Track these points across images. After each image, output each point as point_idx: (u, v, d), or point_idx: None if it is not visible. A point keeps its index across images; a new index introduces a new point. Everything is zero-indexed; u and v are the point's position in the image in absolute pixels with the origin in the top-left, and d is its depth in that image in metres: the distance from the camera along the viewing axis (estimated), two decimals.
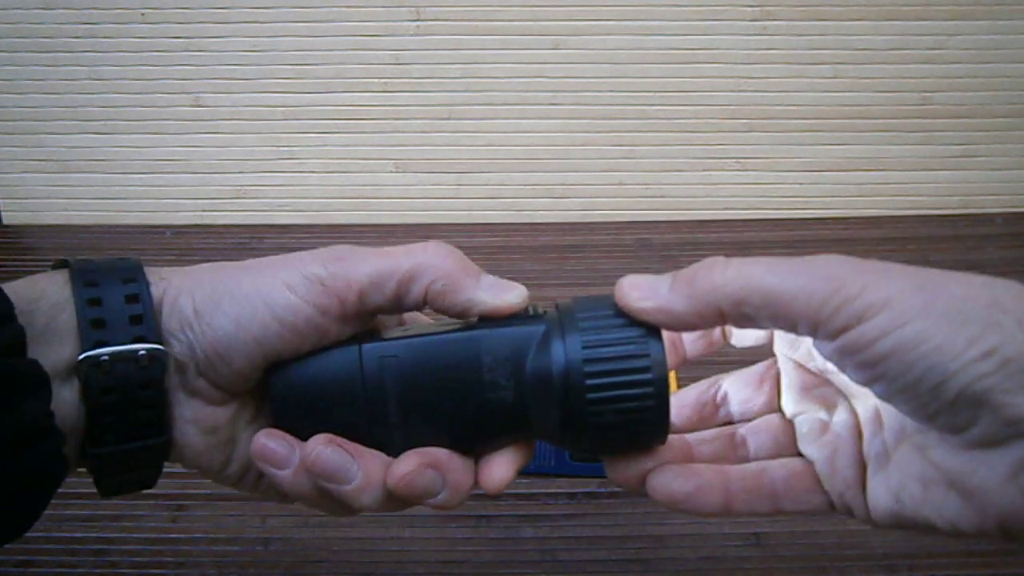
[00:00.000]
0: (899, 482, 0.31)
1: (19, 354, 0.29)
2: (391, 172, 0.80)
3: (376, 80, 0.77)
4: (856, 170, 0.81)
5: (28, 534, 0.31)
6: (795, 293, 0.28)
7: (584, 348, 0.31)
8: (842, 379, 0.34)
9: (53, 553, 0.48)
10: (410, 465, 0.32)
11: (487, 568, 0.48)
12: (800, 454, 0.35)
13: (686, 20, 0.75)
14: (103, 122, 0.78)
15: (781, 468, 0.34)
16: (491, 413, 0.32)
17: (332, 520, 0.49)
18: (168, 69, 0.76)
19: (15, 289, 0.30)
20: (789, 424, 0.35)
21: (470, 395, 0.32)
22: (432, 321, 0.36)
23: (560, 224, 0.81)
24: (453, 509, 0.33)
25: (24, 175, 0.80)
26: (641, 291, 0.31)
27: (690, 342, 0.37)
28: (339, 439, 0.32)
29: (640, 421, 0.31)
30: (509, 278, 0.33)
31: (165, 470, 0.34)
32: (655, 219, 0.81)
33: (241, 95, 0.77)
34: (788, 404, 0.36)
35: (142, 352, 0.31)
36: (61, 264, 0.33)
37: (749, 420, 0.36)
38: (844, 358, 0.29)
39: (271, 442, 0.33)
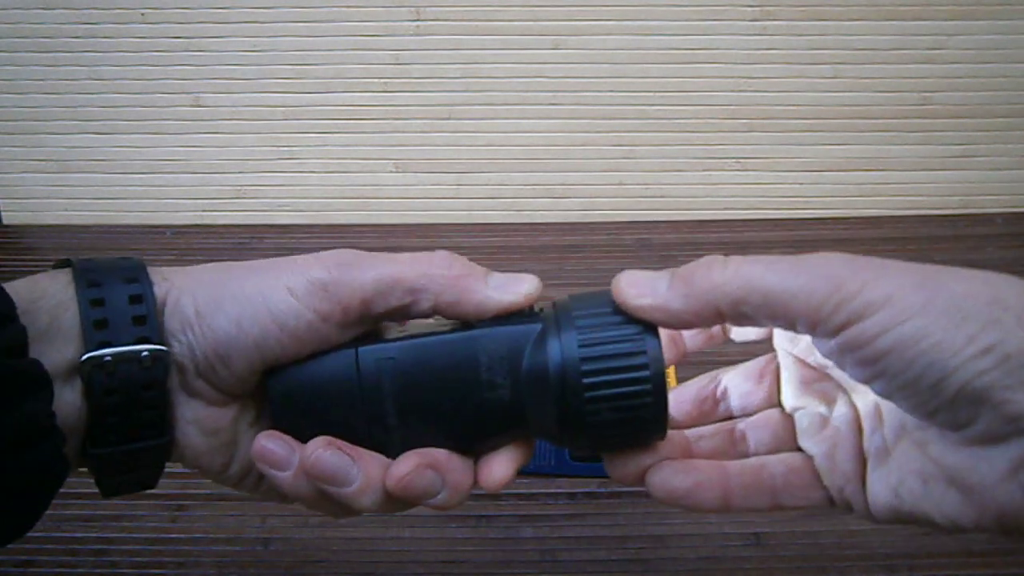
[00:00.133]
0: (898, 478, 0.31)
1: (20, 354, 0.29)
2: (391, 172, 0.80)
3: (376, 80, 0.77)
4: (856, 170, 0.81)
5: (28, 534, 0.31)
6: (794, 292, 0.28)
7: (581, 346, 0.31)
8: (842, 374, 0.34)
9: (53, 553, 0.48)
10: (409, 466, 0.32)
11: (487, 568, 0.48)
12: (800, 449, 0.35)
13: (686, 20, 0.75)
14: (103, 122, 0.78)
15: (780, 463, 0.34)
16: (489, 412, 0.32)
17: (332, 520, 0.49)
18: (168, 69, 0.76)
19: (16, 289, 0.30)
20: (789, 419, 0.35)
21: (468, 395, 0.32)
22: (432, 321, 0.36)
23: (560, 224, 0.81)
24: (453, 509, 0.33)
25: (24, 175, 0.80)
26: (639, 288, 0.31)
27: (690, 337, 0.37)
28: (338, 442, 0.32)
29: (638, 418, 0.31)
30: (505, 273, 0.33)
31: (165, 470, 0.34)
32: (655, 219, 0.81)
33: (241, 95, 0.77)
34: (788, 399, 0.36)
35: (145, 353, 0.31)
36: (63, 264, 0.33)
37: (749, 415, 0.36)
38: (843, 355, 0.29)
39: (271, 444, 0.33)
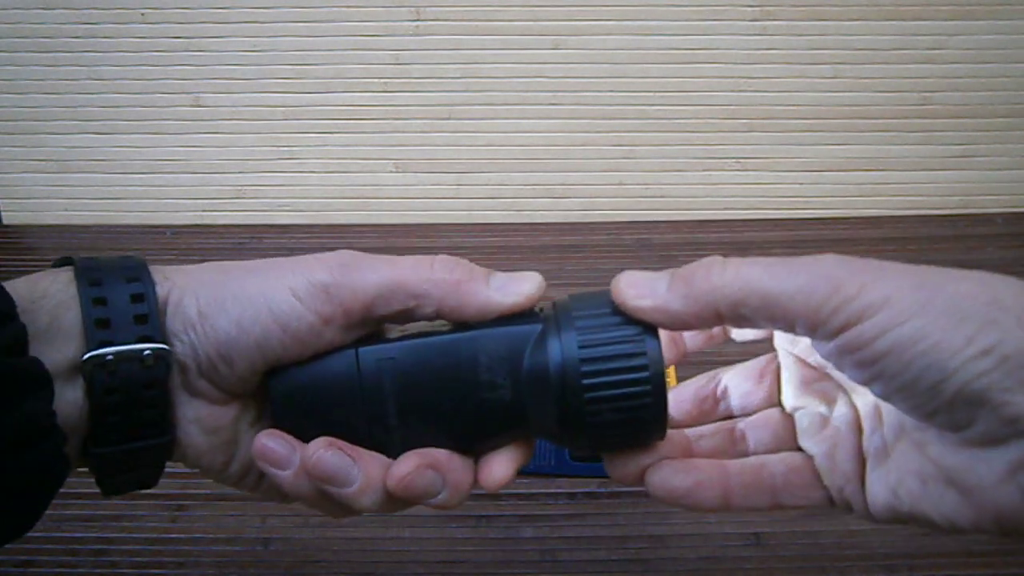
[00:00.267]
0: (897, 478, 0.31)
1: (20, 353, 0.29)
2: (391, 172, 0.80)
3: (376, 80, 0.77)
4: (856, 170, 0.81)
5: (28, 534, 0.31)
6: (793, 294, 0.28)
7: (581, 347, 0.31)
8: (842, 374, 0.34)
9: (53, 553, 0.48)
10: (409, 466, 0.32)
11: (487, 568, 0.48)
12: (800, 449, 0.35)
13: (686, 20, 0.75)
14: (103, 122, 0.78)
15: (780, 463, 0.34)
16: (489, 413, 0.32)
17: (332, 520, 0.48)
18: (168, 69, 0.76)
19: (16, 288, 0.30)
20: (789, 418, 0.35)
21: (468, 395, 0.32)
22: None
23: (560, 224, 0.81)
24: (453, 509, 0.33)
25: (24, 175, 0.80)
26: (638, 289, 0.31)
27: (690, 337, 0.37)
28: (339, 442, 0.32)
29: (638, 419, 0.31)
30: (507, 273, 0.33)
31: (165, 470, 0.34)
32: (655, 219, 0.81)
33: (241, 95, 0.77)
34: (788, 398, 0.36)
35: (147, 352, 0.31)
36: (63, 262, 0.33)
37: (749, 414, 0.36)
38: (842, 357, 0.29)
39: (272, 442, 0.33)
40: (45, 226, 0.81)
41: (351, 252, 0.33)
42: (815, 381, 0.35)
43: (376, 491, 0.32)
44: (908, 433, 0.31)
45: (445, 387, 0.32)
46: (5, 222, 0.81)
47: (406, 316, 0.33)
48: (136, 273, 0.32)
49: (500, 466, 0.33)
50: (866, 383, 0.29)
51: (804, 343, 0.35)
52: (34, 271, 0.32)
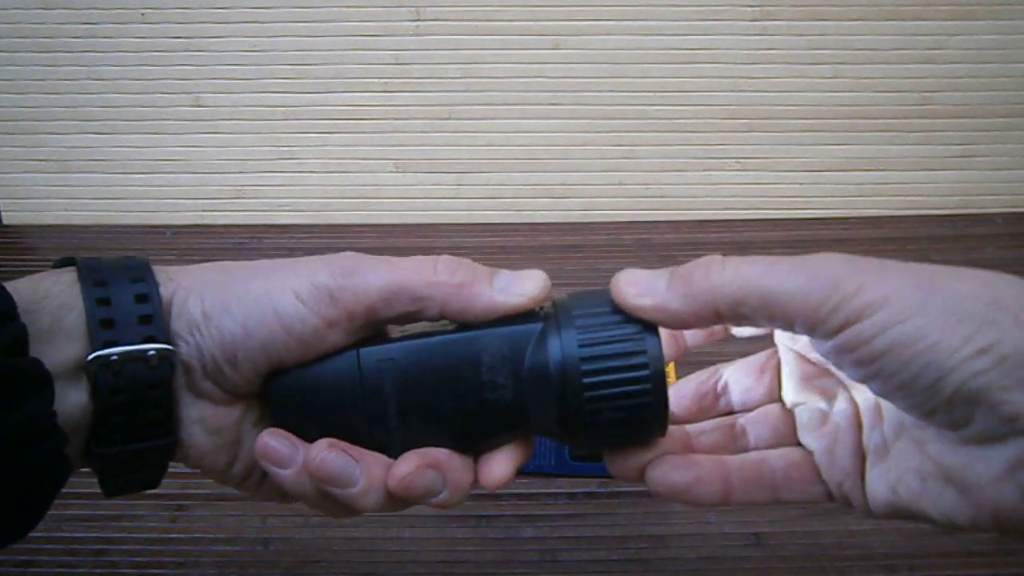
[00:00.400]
0: (897, 475, 0.31)
1: (20, 353, 0.29)
2: (391, 172, 0.80)
3: (376, 80, 0.77)
4: (856, 170, 0.81)
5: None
6: (793, 293, 0.28)
7: (581, 346, 0.31)
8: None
9: (53, 553, 0.48)
10: (410, 466, 0.32)
11: (487, 568, 0.48)
12: (800, 444, 0.35)
13: (686, 20, 0.75)
14: (103, 122, 0.78)
15: (780, 458, 0.34)
16: (490, 412, 0.32)
17: (332, 520, 0.48)
18: (168, 69, 0.76)
19: (18, 288, 0.30)
20: (789, 414, 0.35)
21: (469, 395, 0.32)
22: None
23: (560, 224, 0.81)
24: (454, 508, 0.33)
25: (24, 175, 0.80)
26: (638, 288, 0.31)
27: (690, 333, 0.37)
28: (342, 443, 0.32)
29: (638, 417, 0.31)
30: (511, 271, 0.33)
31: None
32: (655, 219, 0.81)
33: (241, 95, 0.77)
34: (788, 394, 0.36)
35: (151, 352, 0.31)
36: (65, 263, 0.33)
37: (749, 410, 0.37)
38: (841, 356, 0.29)
39: (274, 441, 0.33)
40: (45, 226, 0.81)
41: (354, 254, 0.33)
42: (815, 377, 0.35)
43: (378, 491, 0.32)
44: (908, 430, 0.31)
45: (446, 387, 0.32)
46: (5, 222, 0.81)
47: (410, 318, 0.33)
48: (140, 273, 0.32)
49: (500, 465, 0.33)
50: (865, 381, 0.30)
51: (804, 339, 0.35)
52: (34, 271, 0.32)
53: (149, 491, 0.35)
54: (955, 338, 0.27)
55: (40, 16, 0.74)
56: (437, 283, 0.32)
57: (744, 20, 0.75)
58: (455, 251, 0.33)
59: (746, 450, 0.35)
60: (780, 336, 0.36)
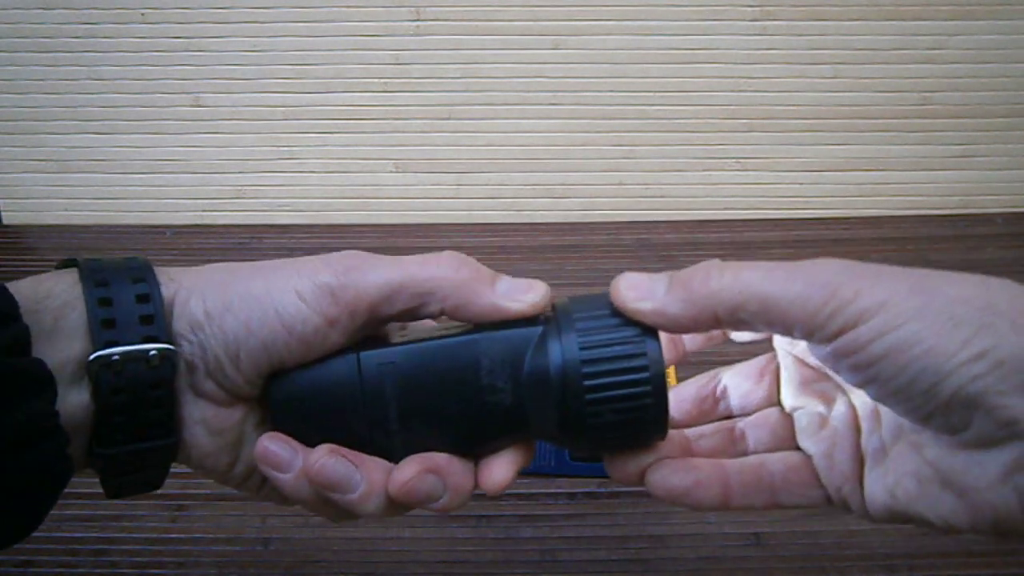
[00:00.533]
0: (895, 478, 0.31)
1: (22, 353, 0.29)
2: (391, 172, 0.80)
3: (376, 80, 0.77)
4: (856, 170, 0.81)
5: None
6: (791, 299, 0.29)
7: (582, 349, 0.31)
8: None
9: (53, 553, 0.48)
10: (411, 472, 0.32)
11: (487, 568, 0.48)
12: (799, 448, 0.35)
13: (686, 20, 0.75)
14: (103, 122, 0.78)
15: (779, 462, 0.34)
16: (490, 416, 0.32)
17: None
18: (168, 69, 0.76)
19: (19, 288, 0.30)
20: (788, 418, 0.36)
21: (469, 399, 0.32)
22: (434, 323, 0.36)
23: (560, 224, 0.81)
24: (455, 511, 0.33)
25: (24, 175, 0.80)
26: (638, 291, 0.31)
27: (689, 337, 0.38)
28: (342, 449, 0.32)
29: (638, 420, 0.31)
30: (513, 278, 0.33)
31: None
32: (655, 219, 0.81)
33: (241, 95, 0.77)
34: (787, 398, 0.36)
35: (153, 352, 0.31)
36: (67, 264, 0.33)
37: (748, 414, 0.37)
38: (838, 361, 0.29)
39: (273, 445, 0.33)
40: (45, 226, 0.81)
41: (356, 252, 0.33)
42: (814, 381, 0.35)
43: (378, 497, 0.32)
44: (906, 434, 0.31)
45: (447, 391, 0.32)
46: (5, 222, 0.81)
47: (411, 315, 0.33)
48: (141, 274, 0.32)
49: (500, 469, 0.33)
50: (861, 386, 0.30)
51: (803, 343, 0.35)
52: (34, 271, 0.32)
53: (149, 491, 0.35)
54: (951, 343, 0.27)
55: (40, 16, 0.74)
56: (439, 277, 0.32)
57: (744, 20, 0.75)
58: (455, 251, 0.33)
59: (745, 454, 0.35)
60: (779, 340, 0.36)
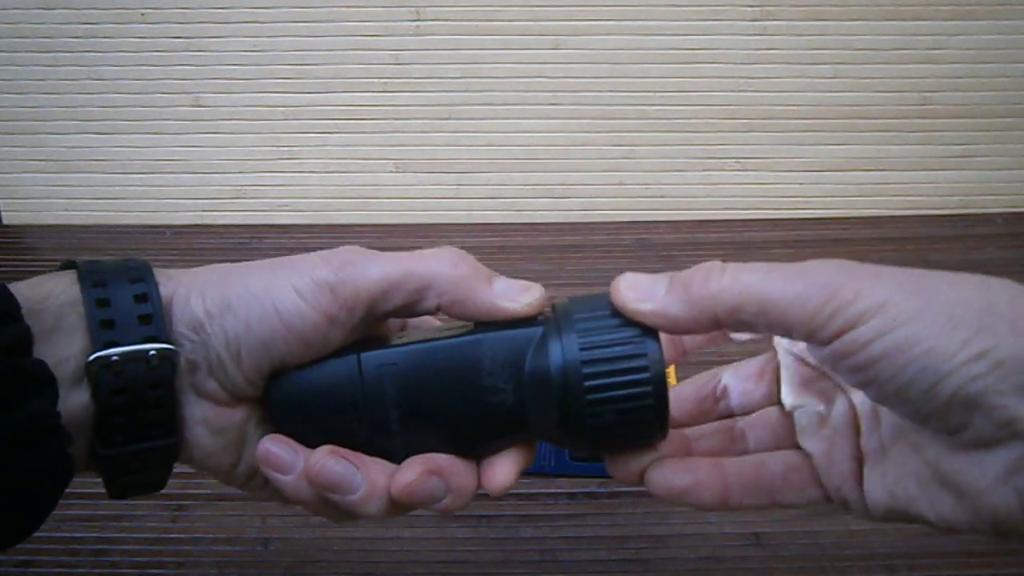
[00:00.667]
0: (894, 478, 0.31)
1: (24, 353, 0.29)
2: (391, 172, 0.80)
3: (376, 80, 0.77)
4: (856, 170, 0.81)
5: None
6: (790, 300, 0.29)
7: (582, 349, 0.31)
8: None
9: (53, 553, 0.48)
10: (413, 474, 0.32)
11: (487, 568, 0.48)
12: (798, 447, 0.35)
13: (686, 20, 0.75)
14: (103, 122, 0.78)
15: (779, 461, 0.34)
16: (491, 416, 0.32)
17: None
18: (168, 69, 0.76)
19: (20, 289, 0.30)
20: (788, 417, 0.35)
21: (470, 399, 0.32)
22: (439, 323, 0.36)
23: (560, 224, 0.81)
24: (457, 512, 0.33)
25: (24, 175, 0.80)
26: (638, 292, 0.31)
27: (689, 336, 0.37)
28: (343, 450, 0.32)
29: (639, 420, 0.31)
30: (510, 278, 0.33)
31: None
32: (655, 219, 0.81)
33: (241, 95, 0.77)
34: (787, 397, 0.36)
35: (152, 352, 0.31)
36: (67, 266, 0.33)
37: (748, 413, 0.37)
38: (838, 362, 0.29)
39: (274, 447, 0.33)
40: (45, 226, 0.81)
41: (352, 248, 0.33)
42: (814, 380, 0.35)
43: (380, 498, 0.32)
44: (905, 434, 0.31)
45: (447, 392, 0.32)
46: (5, 222, 0.81)
47: (409, 310, 0.33)
48: (139, 274, 0.32)
49: (503, 469, 0.33)
50: (861, 387, 0.30)
51: (803, 343, 0.35)
52: (34, 271, 0.32)
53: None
54: (951, 343, 0.27)
55: (40, 16, 0.74)
56: (438, 272, 0.32)
57: (744, 20, 0.75)
58: (452, 246, 0.33)
59: (745, 453, 0.35)
60: (779, 339, 0.36)
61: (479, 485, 0.33)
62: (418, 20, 0.75)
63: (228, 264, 0.34)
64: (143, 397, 0.31)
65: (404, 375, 0.32)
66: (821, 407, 0.34)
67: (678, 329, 0.31)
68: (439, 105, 0.78)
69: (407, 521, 0.49)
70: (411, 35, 0.76)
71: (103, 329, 0.30)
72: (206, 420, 0.33)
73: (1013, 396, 0.27)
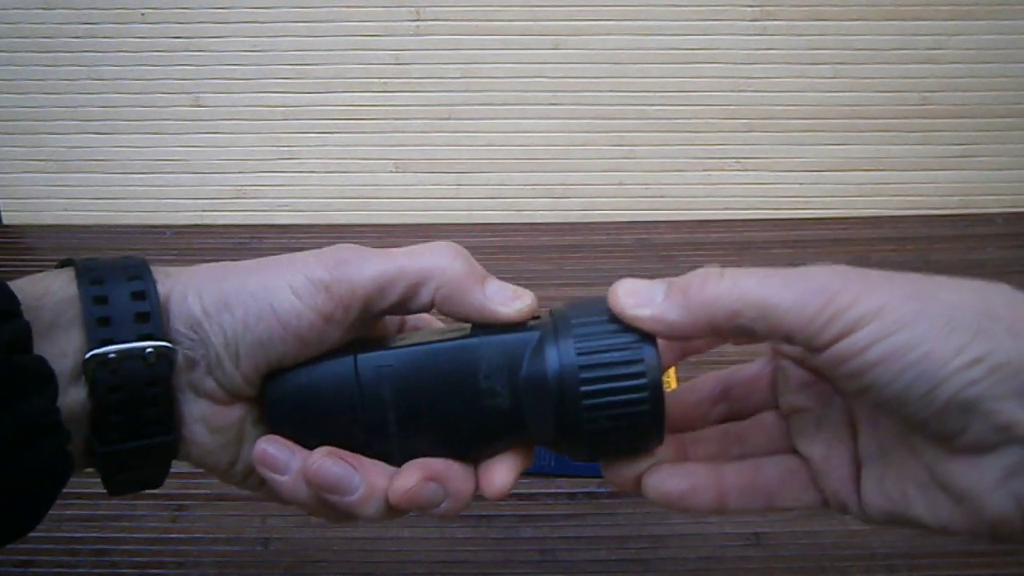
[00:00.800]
0: (892, 482, 0.31)
1: (24, 350, 0.29)
2: (391, 172, 0.80)
3: (376, 80, 0.77)
4: (856, 170, 0.81)
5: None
6: (788, 306, 0.29)
7: (579, 354, 0.31)
8: None
9: (53, 553, 0.48)
10: (412, 480, 0.32)
11: (487, 568, 0.48)
12: (795, 451, 0.35)
13: (686, 20, 0.75)
14: (103, 122, 0.78)
15: (776, 466, 0.34)
16: (488, 420, 0.32)
17: None
18: (168, 69, 0.76)
19: (19, 287, 0.30)
20: (785, 421, 0.35)
21: (467, 403, 0.32)
22: (439, 324, 0.36)
23: (560, 224, 0.81)
24: (456, 515, 0.33)
25: (24, 175, 0.80)
26: (636, 298, 0.31)
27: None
28: (341, 452, 0.32)
29: (635, 426, 0.31)
30: (509, 278, 0.33)
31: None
32: (655, 219, 0.81)
33: (241, 95, 0.77)
34: (785, 401, 0.36)
35: (149, 350, 0.31)
36: (65, 263, 0.33)
37: (745, 417, 0.36)
38: (835, 368, 0.29)
39: (271, 448, 0.33)
40: (45, 226, 0.81)
41: (347, 246, 0.33)
42: (812, 384, 0.35)
43: (378, 500, 0.32)
44: (903, 438, 0.31)
45: (444, 394, 0.32)
46: (5, 222, 0.81)
47: (404, 306, 0.33)
48: (137, 271, 0.32)
49: (501, 472, 0.33)
50: (859, 393, 0.29)
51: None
52: (34, 271, 0.32)
53: (149, 491, 0.35)
54: (948, 348, 0.27)
55: (40, 16, 0.74)
56: (433, 266, 0.32)
57: (744, 20, 0.75)
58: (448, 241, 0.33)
59: (742, 458, 0.35)
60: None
61: (477, 489, 0.33)
62: (418, 20, 0.75)
63: (225, 262, 0.34)
64: (140, 394, 0.31)
65: (401, 377, 0.32)
66: (819, 411, 0.34)
67: (676, 334, 0.31)
68: (439, 105, 0.78)
69: (407, 521, 0.49)
70: (411, 35, 0.76)
71: (100, 326, 0.30)
72: (204, 418, 0.33)
73: (1010, 400, 0.27)
